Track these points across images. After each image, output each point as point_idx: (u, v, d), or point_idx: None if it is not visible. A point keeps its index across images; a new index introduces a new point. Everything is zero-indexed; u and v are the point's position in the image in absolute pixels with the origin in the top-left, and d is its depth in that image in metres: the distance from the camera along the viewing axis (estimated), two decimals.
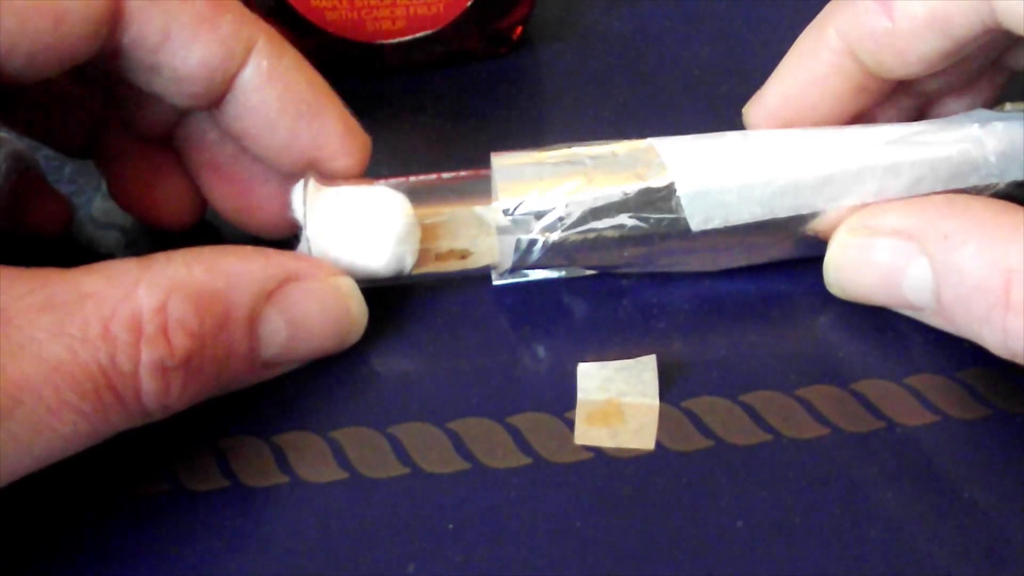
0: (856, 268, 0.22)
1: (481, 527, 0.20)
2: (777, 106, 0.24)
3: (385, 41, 0.31)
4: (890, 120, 0.25)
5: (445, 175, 0.24)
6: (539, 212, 0.22)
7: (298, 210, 0.23)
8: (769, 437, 0.21)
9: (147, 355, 0.18)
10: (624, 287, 0.25)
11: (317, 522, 0.20)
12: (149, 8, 0.19)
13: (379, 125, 0.31)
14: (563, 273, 0.25)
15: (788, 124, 0.24)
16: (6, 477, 0.17)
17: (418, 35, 0.31)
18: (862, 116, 0.24)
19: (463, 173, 0.24)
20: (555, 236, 0.23)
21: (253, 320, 0.20)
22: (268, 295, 0.20)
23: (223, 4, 0.21)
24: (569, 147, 0.24)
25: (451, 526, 0.20)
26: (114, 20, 0.19)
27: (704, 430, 0.22)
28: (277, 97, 0.21)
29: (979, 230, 0.19)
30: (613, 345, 0.23)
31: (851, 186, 0.22)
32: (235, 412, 0.22)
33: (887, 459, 0.21)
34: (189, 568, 0.19)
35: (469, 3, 0.31)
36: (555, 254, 0.23)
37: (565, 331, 0.24)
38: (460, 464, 0.21)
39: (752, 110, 0.25)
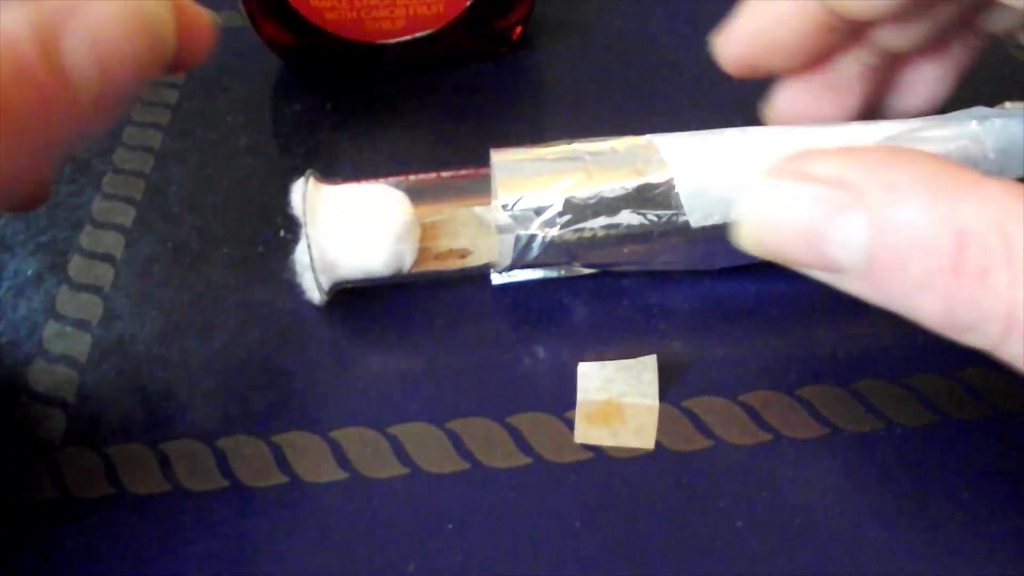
0: (777, 217, 0.18)
1: (481, 527, 0.20)
2: (744, 41, 0.24)
3: (385, 41, 0.31)
4: (859, 79, 0.25)
5: (445, 174, 0.24)
6: (538, 208, 0.22)
7: (297, 207, 0.23)
8: (769, 437, 0.21)
9: None
10: (624, 287, 0.25)
11: (317, 522, 0.20)
12: None
13: (378, 125, 0.31)
14: (563, 272, 0.25)
15: (754, 58, 0.24)
16: None
17: (418, 35, 0.31)
18: (828, 59, 0.25)
19: (463, 172, 0.24)
20: (554, 232, 0.23)
21: (49, 54, 0.18)
22: (56, 25, 0.18)
23: None
24: (569, 143, 0.24)
25: (451, 526, 0.20)
26: None
27: (704, 430, 0.22)
28: None
29: (929, 184, 0.17)
30: (613, 345, 0.23)
31: None
32: (235, 412, 0.22)
33: (887, 459, 0.21)
34: (189, 568, 0.19)
35: (469, 3, 0.31)
36: (554, 250, 0.23)
37: (565, 331, 0.24)
38: (460, 464, 0.21)
39: (720, 44, 0.25)
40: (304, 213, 0.22)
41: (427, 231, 0.23)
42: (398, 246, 0.23)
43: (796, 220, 0.18)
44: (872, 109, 0.27)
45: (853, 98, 0.26)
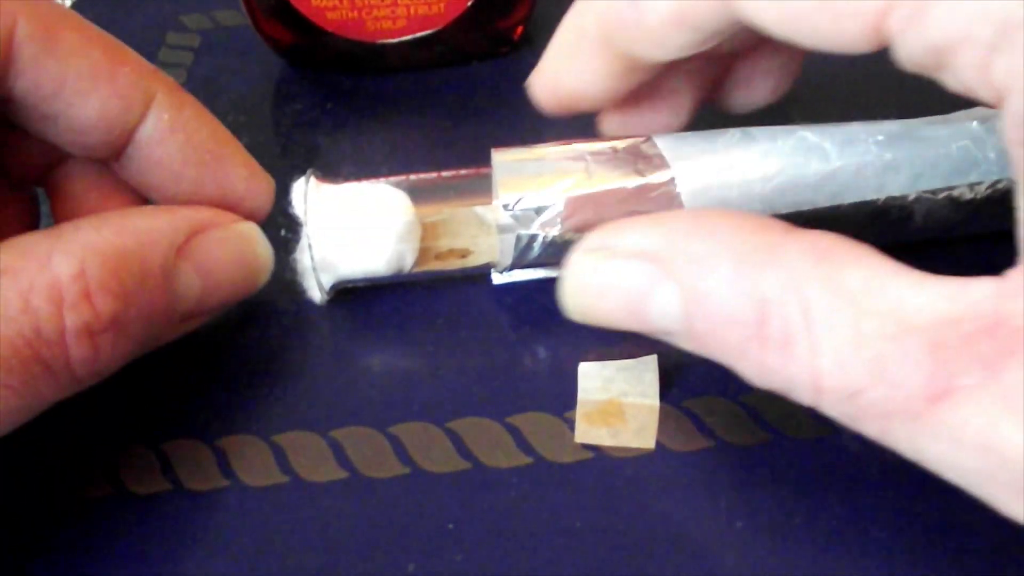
0: (596, 293, 0.19)
1: (481, 527, 0.20)
2: (551, 82, 0.24)
3: (385, 41, 0.31)
4: (688, 85, 0.24)
5: (445, 174, 0.24)
6: (539, 208, 0.22)
7: (298, 207, 0.23)
8: (769, 437, 0.21)
9: (71, 321, 0.18)
10: None
11: (317, 522, 0.20)
12: (43, 57, 0.19)
13: (379, 125, 0.31)
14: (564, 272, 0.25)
15: (566, 102, 0.24)
16: None
17: (418, 35, 0.31)
18: (644, 90, 0.24)
19: (463, 172, 0.24)
20: (555, 232, 0.23)
21: (168, 274, 0.20)
22: (178, 249, 0.20)
23: (121, 56, 0.20)
24: (569, 143, 0.24)
25: (451, 526, 0.20)
26: (4, 67, 0.19)
27: (704, 430, 0.22)
28: (179, 149, 0.21)
29: (730, 253, 0.17)
30: (613, 345, 0.23)
31: (851, 182, 0.22)
32: (235, 412, 0.22)
33: (887, 459, 0.21)
34: (189, 568, 0.19)
35: (469, 3, 0.31)
36: (555, 250, 0.23)
37: (565, 331, 0.24)
38: (460, 464, 0.21)
39: (533, 86, 0.24)
40: (305, 213, 0.22)
41: (427, 231, 0.23)
42: (399, 246, 0.23)
43: (616, 295, 0.18)
44: (709, 103, 0.26)
45: (686, 102, 0.25)
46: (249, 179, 0.22)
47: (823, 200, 0.23)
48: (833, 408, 0.16)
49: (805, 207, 0.23)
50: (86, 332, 0.18)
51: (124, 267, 0.19)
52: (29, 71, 0.19)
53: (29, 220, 0.23)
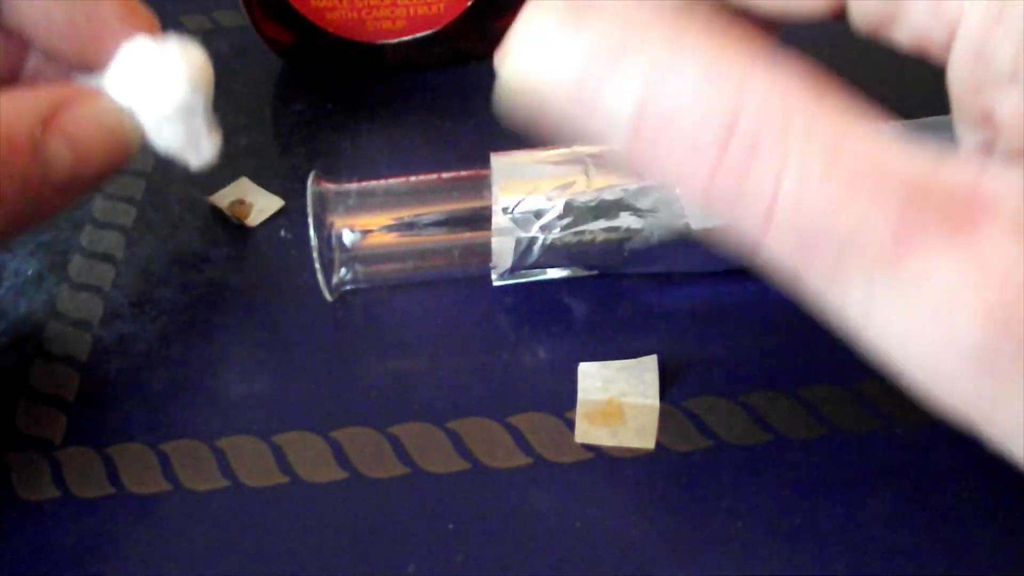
0: (547, 56, 0.16)
1: (481, 527, 0.20)
2: None
3: (385, 41, 0.31)
4: None
5: (445, 175, 0.24)
6: (538, 211, 0.22)
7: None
8: (769, 437, 0.21)
9: None
10: (624, 288, 0.25)
11: (317, 522, 0.20)
12: None
13: (379, 126, 0.31)
14: (564, 273, 0.25)
15: None
16: None
17: (418, 35, 0.31)
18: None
19: (463, 173, 0.24)
20: (554, 235, 0.23)
21: (35, 144, 0.20)
22: (45, 122, 0.21)
23: None
24: (569, 146, 0.24)
25: (451, 526, 0.20)
26: None
27: (704, 430, 0.22)
28: None
29: (718, 50, 0.15)
30: (613, 345, 0.23)
31: None
32: (235, 412, 0.22)
33: (887, 459, 0.21)
34: (189, 568, 0.19)
35: (469, 3, 0.31)
36: (555, 253, 0.23)
37: (565, 331, 0.24)
38: (460, 464, 0.21)
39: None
40: (310, 214, 0.22)
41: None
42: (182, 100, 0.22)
43: (569, 62, 0.15)
44: None
45: None
46: (124, 15, 0.23)
47: None
48: (778, 245, 0.14)
49: None
50: None
51: None
52: None
53: None
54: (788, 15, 0.17)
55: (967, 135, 0.16)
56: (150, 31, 0.23)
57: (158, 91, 0.22)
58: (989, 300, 0.13)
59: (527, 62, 0.16)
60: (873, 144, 0.14)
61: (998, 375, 0.14)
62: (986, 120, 0.15)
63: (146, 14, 0.23)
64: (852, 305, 0.14)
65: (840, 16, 0.16)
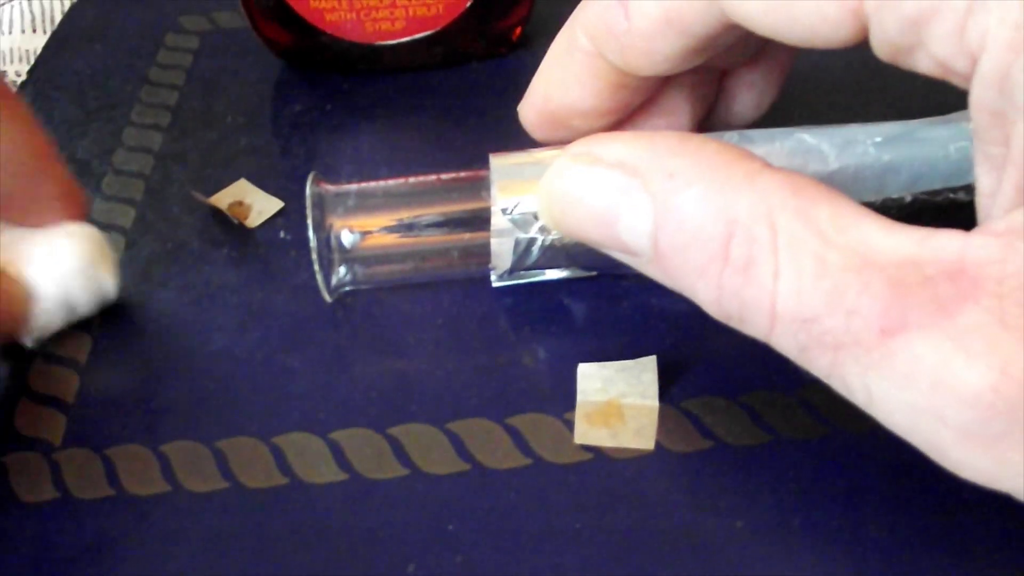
0: (573, 199, 0.19)
1: (481, 527, 0.20)
2: (541, 106, 0.23)
3: (384, 42, 0.31)
4: (685, 101, 0.24)
5: (444, 176, 0.24)
6: (538, 212, 0.22)
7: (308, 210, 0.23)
8: (769, 437, 0.21)
9: None
10: (624, 288, 0.25)
11: (317, 524, 0.20)
12: None
13: (378, 126, 0.31)
14: (563, 274, 0.25)
15: (557, 122, 0.23)
16: None
17: (418, 36, 0.31)
18: (639, 111, 0.23)
19: (463, 174, 0.24)
20: (553, 235, 0.23)
21: None
22: None
23: None
24: (568, 146, 0.24)
25: (451, 526, 0.20)
26: None
27: (704, 430, 0.22)
28: None
29: (708, 173, 0.17)
30: (613, 345, 0.23)
31: (850, 184, 0.22)
32: (235, 412, 0.22)
33: (887, 459, 0.21)
34: (188, 569, 0.19)
35: (469, 3, 0.31)
36: (554, 254, 0.23)
37: (565, 331, 0.24)
38: (460, 464, 0.21)
39: (522, 110, 0.24)
40: (309, 216, 0.22)
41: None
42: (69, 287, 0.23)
43: (591, 204, 0.18)
44: (704, 120, 0.25)
45: (682, 118, 0.24)
46: (61, 197, 0.24)
47: None
48: (785, 338, 0.16)
49: None
50: None
51: None
52: None
53: None
54: (812, 42, 0.17)
55: (983, 169, 0.16)
56: (78, 219, 0.24)
57: (65, 275, 0.23)
58: (972, 383, 0.14)
59: (560, 193, 0.19)
60: (858, 232, 0.16)
61: (992, 449, 0.15)
62: (1004, 150, 0.16)
63: (80, 202, 0.24)
64: (857, 391, 0.16)
65: (863, 43, 0.17)
